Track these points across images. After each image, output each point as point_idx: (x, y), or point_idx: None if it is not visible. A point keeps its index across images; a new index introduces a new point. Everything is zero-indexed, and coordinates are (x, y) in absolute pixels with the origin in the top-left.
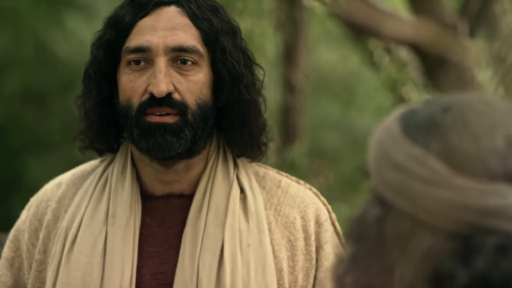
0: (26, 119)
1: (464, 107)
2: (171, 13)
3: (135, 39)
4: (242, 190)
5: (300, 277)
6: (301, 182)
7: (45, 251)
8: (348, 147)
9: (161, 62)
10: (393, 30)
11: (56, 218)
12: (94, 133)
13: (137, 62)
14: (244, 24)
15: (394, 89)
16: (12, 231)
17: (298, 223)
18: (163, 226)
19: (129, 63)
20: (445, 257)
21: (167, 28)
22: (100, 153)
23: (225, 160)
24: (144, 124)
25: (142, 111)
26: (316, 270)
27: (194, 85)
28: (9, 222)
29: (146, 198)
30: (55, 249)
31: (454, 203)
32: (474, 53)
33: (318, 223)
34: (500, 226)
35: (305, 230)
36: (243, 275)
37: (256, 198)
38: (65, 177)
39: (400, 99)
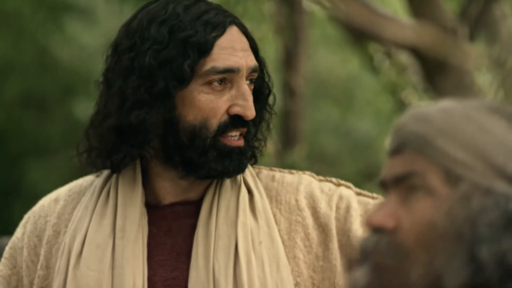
0: (26, 124)
1: None
2: (238, 33)
3: (222, 60)
4: (249, 191)
5: (320, 250)
6: (294, 172)
7: (48, 267)
8: (347, 151)
9: (246, 84)
10: (393, 34)
11: (57, 233)
12: (143, 149)
13: (219, 82)
14: None
15: (394, 93)
16: (7, 249)
17: (302, 203)
18: (169, 234)
19: (210, 82)
20: None
21: (243, 49)
22: (98, 169)
23: None
24: (225, 148)
25: (222, 132)
26: (344, 234)
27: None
28: (9, 227)
29: (151, 208)
30: (59, 265)
31: None
32: (474, 57)
33: (324, 193)
34: None
35: (311, 207)
36: (258, 272)
37: (262, 197)
38: (62, 192)
39: (400, 103)
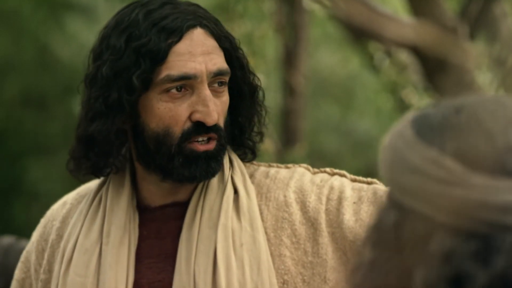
0: (26, 122)
1: (476, 107)
2: (201, 35)
3: (177, 67)
4: (236, 191)
5: (309, 245)
6: (291, 166)
7: (50, 271)
8: (348, 150)
9: (207, 90)
10: (394, 33)
11: (59, 238)
12: (110, 159)
13: (178, 89)
14: (245, 27)
15: (394, 92)
16: (24, 253)
17: (290, 198)
18: (158, 237)
19: (167, 90)
20: (465, 258)
21: (204, 53)
22: (99, 176)
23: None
24: (191, 153)
25: (186, 139)
26: (338, 226)
27: (225, 106)
28: (10, 226)
29: (141, 210)
30: (55, 270)
31: (472, 201)
32: (475, 56)
33: (315, 185)
34: None
35: (300, 201)
36: (238, 275)
37: (249, 197)
38: (70, 196)
39: (400, 102)
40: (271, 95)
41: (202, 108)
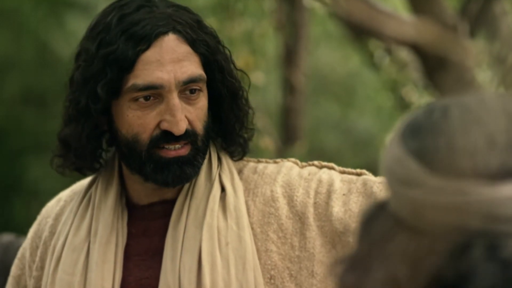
0: (26, 120)
1: (452, 107)
2: (172, 42)
3: (143, 76)
4: (223, 189)
5: (296, 240)
6: (279, 160)
7: (42, 268)
8: (348, 148)
9: (175, 99)
10: (394, 30)
11: (52, 235)
12: (87, 161)
13: (146, 98)
14: (245, 25)
15: (395, 89)
16: (20, 249)
17: (277, 193)
18: (147, 234)
19: (135, 99)
20: (400, 259)
21: (174, 61)
22: (84, 173)
23: (209, 161)
24: (160, 160)
25: (154, 145)
26: (327, 219)
27: (201, 111)
28: (10, 224)
29: (130, 208)
30: (46, 268)
31: (425, 202)
32: (475, 54)
33: (303, 179)
34: (464, 224)
35: (288, 196)
36: (223, 274)
37: (237, 194)
38: (65, 193)
39: (401, 100)
40: (271, 93)
41: (170, 118)
